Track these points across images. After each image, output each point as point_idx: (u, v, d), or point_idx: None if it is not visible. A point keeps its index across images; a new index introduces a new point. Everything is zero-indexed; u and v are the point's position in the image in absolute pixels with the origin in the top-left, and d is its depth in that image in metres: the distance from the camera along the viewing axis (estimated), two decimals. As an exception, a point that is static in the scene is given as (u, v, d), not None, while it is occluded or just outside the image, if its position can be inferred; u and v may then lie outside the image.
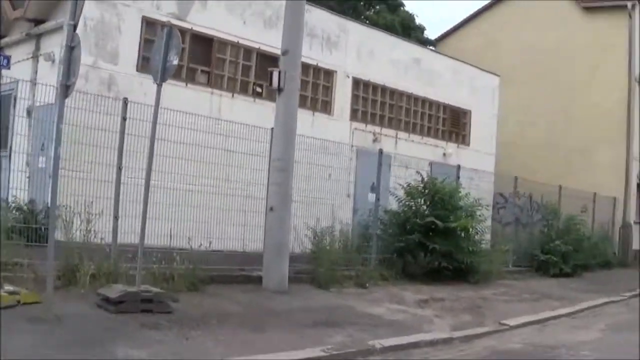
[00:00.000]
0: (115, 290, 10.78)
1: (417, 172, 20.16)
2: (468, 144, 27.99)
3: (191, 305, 11.73)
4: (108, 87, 16.50)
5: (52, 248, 9.96)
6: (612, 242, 31.74)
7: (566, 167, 31.80)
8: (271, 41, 19.44)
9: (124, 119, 13.52)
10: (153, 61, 11.48)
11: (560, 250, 24.21)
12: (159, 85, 11.21)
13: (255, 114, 18.66)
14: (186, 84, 18.18)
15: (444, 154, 26.54)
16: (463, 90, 27.77)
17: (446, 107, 27.14)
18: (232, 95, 19.48)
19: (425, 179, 19.85)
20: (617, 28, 33.38)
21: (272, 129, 15.35)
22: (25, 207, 14.45)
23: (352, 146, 22.15)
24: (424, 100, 26.20)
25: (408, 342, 11.43)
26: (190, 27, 18.26)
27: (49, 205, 10.63)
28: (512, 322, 14.07)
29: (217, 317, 11.10)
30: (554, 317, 15.44)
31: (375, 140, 23.66)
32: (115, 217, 13.13)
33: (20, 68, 16.39)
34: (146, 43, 17.11)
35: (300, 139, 15.71)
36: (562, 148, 33.22)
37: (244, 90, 19.95)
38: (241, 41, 19.70)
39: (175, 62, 11.17)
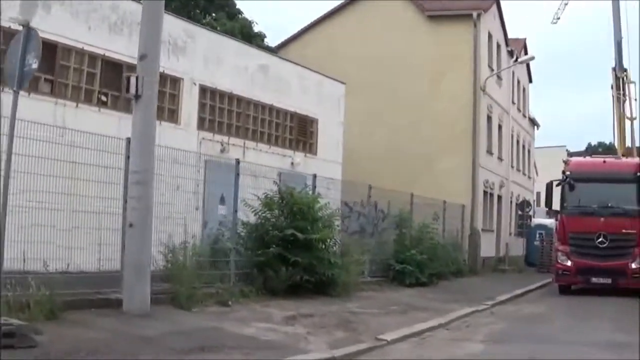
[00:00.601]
0: (-28, 325, 9.58)
1: (275, 183, 19.56)
2: (315, 153, 27.72)
3: (55, 336, 10.58)
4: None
5: None
6: (462, 250, 32.18)
7: (411, 175, 32.01)
8: (117, 47, 18.71)
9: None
10: (9, 65, 10.31)
11: (416, 260, 24.20)
12: (16, 92, 10.05)
13: (100, 124, 17.45)
14: (29, 94, 16.69)
15: (292, 163, 26.08)
16: (310, 98, 27.52)
17: (293, 116, 26.76)
18: (77, 105, 18.27)
19: (283, 189, 19.18)
20: (462, 36, 34.08)
21: (129, 139, 14.26)
22: None
23: (200, 156, 21.19)
24: (272, 108, 25.77)
25: (291, 364, 10.81)
26: (33, 33, 16.91)
27: None
28: (388, 336, 13.70)
29: (85, 349, 10.04)
30: (429, 329, 15.23)
31: (223, 150, 22.97)
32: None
33: None
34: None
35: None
36: (407, 156, 33.46)
37: (88, 99, 18.76)
38: (86, 47, 18.50)
39: (35, 65, 10.11)
